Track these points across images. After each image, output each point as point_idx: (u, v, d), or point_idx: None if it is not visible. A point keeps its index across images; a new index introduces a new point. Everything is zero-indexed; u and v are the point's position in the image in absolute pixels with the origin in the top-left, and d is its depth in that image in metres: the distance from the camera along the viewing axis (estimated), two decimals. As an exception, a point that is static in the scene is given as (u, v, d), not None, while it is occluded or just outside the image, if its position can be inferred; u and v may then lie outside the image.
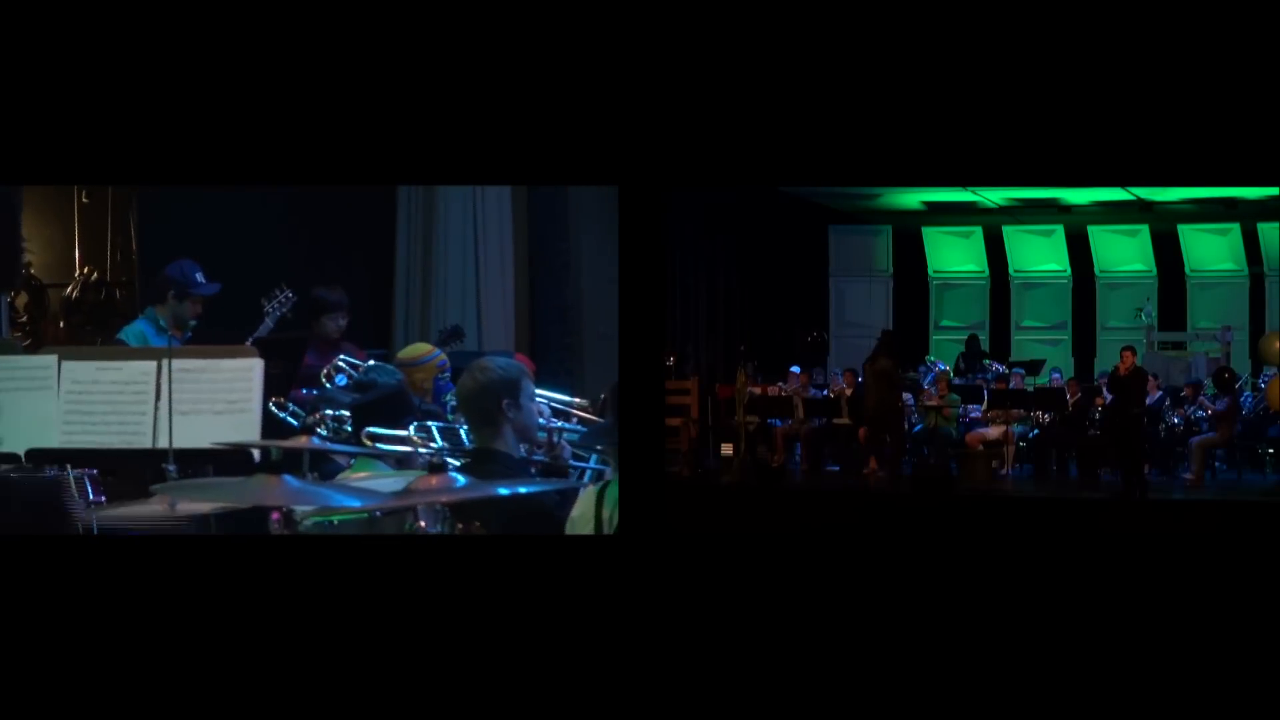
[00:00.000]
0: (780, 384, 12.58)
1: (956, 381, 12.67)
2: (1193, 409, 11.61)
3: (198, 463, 5.02)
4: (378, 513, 4.34)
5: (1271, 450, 11.52)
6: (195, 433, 5.10)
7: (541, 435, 4.90)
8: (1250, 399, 11.89)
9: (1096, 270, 14.66)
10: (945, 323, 15.18)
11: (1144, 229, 14.38)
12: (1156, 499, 10.19)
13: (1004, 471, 11.51)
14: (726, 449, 11.61)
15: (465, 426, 4.85)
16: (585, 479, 5.10)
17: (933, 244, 15.19)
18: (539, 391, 5.11)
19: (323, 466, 4.89)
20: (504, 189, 8.68)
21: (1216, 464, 11.39)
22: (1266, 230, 13.48)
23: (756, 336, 13.78)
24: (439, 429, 4.99)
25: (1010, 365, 13.33)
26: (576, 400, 5.50)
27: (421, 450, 4.82)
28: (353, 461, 4.93)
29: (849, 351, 14.47)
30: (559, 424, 5.20)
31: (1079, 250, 14.70)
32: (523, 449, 4.61)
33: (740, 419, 11.61)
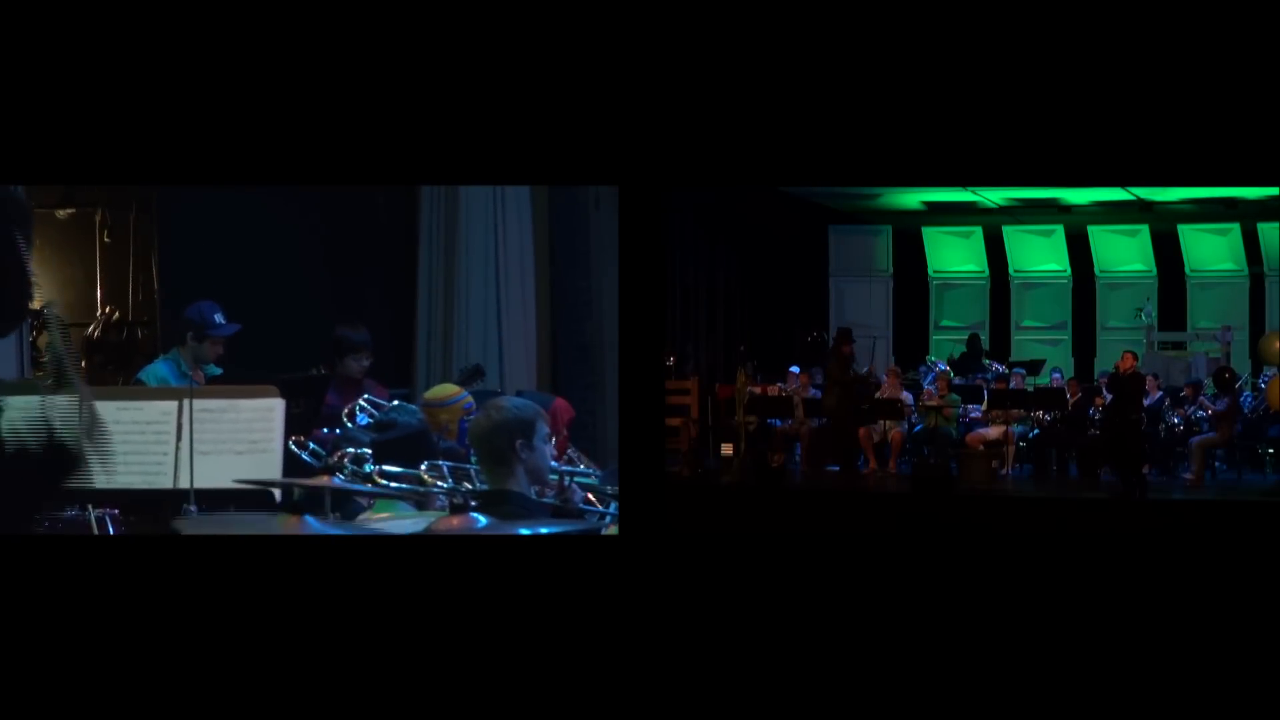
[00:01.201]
0: (780, 384, 12.59)
1: (956, 381, 12.67)
2: (1193, 409, 11.61)
3: (219, 503, 5.01)
4: None
5: (1271, 450, 11.52)
6: (216, 472, 5.10)
7: (553, 478, 4.88)
8: (1250, 399, 11.89)
9: (1096, 270, 14.66)
10: (945, 323, 15.18)
11: (1144, 229, 14.38)
12: (1156, 499, 10.19)
13: (1004, 471, 11.51)
14: (726, 449, 11.60)
15: (476, 467, 4.83)
16: (606, 521, 5.12)
17: (933, 244, 15.19)
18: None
19: (345, 507, 4.88)
20: (526, 228, 8.68)
21: (1216, 464, 11.39)
22: (1266, 230, 13.48)
23: (756, 336, 13.77)
24: (449, 468, 4.99)
25: (1010, 365, 13.33)
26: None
27: (436, 490, 4.83)
28: (374, 502, 4.94)
29: (849, 351, 14.48)
30: (568, 468, 5.21)
31: (1079, 250, 14.69)
32: (533, 490, 4.60)
33: (740, 419, 11.61)
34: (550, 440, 4.70)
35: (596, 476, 5.46)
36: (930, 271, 15.23)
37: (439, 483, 4.91)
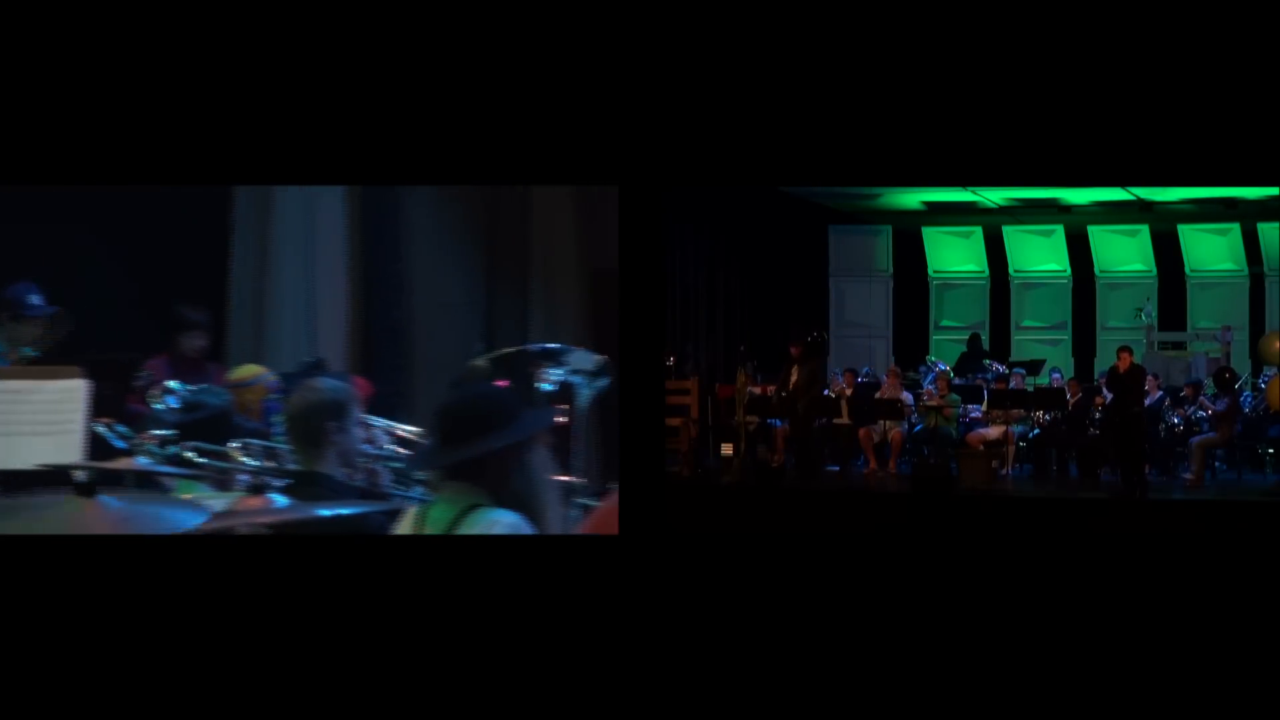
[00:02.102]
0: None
1: (956, 381, 12.67)
2: (1193, 409, 11.61)
3: (24, 485, 4.90)
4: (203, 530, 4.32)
5: (1271, 450, 11.52)
6: (17, 454, 5.02)
7: (361, 461, 4.84)
8: (1250, 399, 11.89)
9: (1096, 270, 14.67)
10: (945, 323, 15.19)
11: (1144, 229, 14.39)
12: (1156, 499, 10.19)
13: (1004, 471, 11.51)
14: (726, 449, 11.61)
15: (289, 447, 4.77)
16: (411, 502, 5.04)
17: (933, 244, 15.20)
18: (374, 419, 5.13)
19: (150, 488, 4.86)
20: (338, 209, 8.64)
21: (1216, 464, 11.39)
22: (1266, 230, 13.49)
23: (756, 336, 13.78)
24: (262, 448, 4.96)
25: (1010, 365, 13.34)
26: (409, 427, 5.47)
27: (241, 473, 4.80)
28: (178, 483, 4.89)
29: (849, 351, 14.49)
30: (376, 451, 5.17)
31: (1079, 250, 14.70)
32: (343, 473, 4.56)
33: (740, 419, 11.61)
34: (361, 423, 4.68)
35: (401, 462, 5.39)
36: (930, 271, 15.24)
37: (250, 461, 4.89)
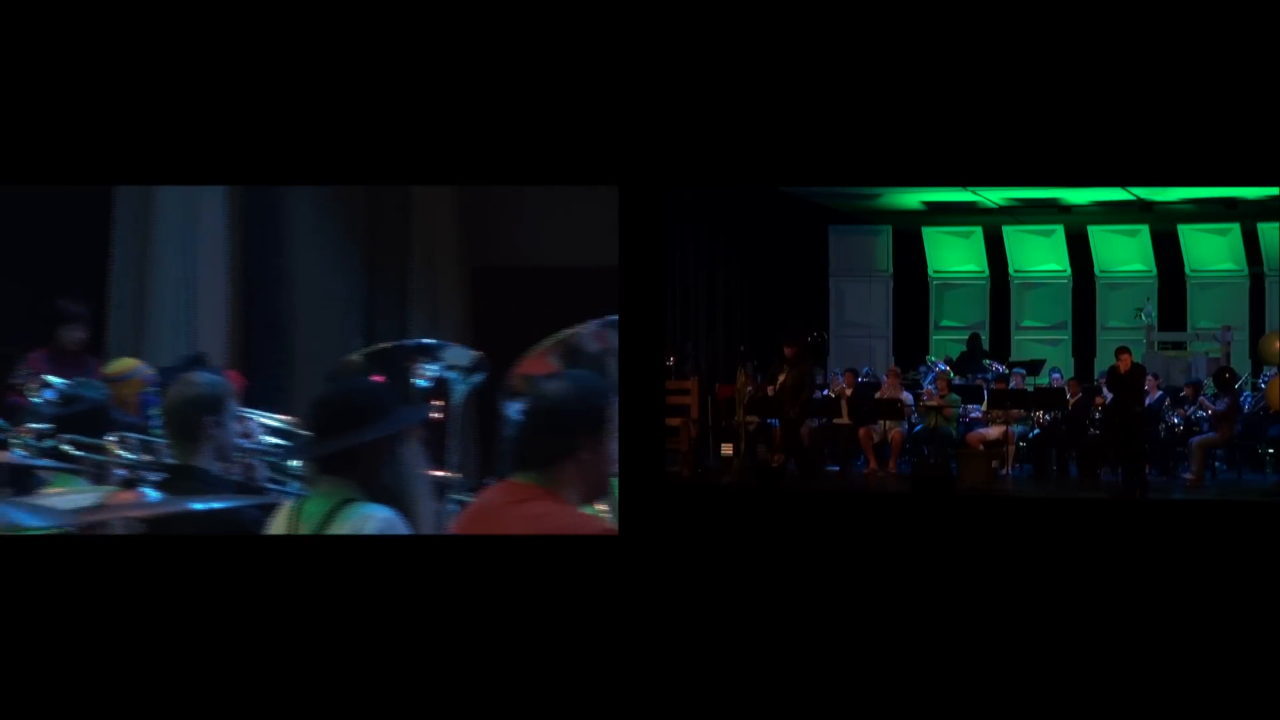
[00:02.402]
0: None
1: (956, 381, 12.67)
2: (1193, 409, 11.61)
3: None
4: (71, 528, 4.30)
5: (1271, 450, 11.51)
6: None
7: (238, 455, 4.83)
8: (1250, 399, 11.89)
9: (1096, 270, 14.66)
10: (945, 323, 15.18)
11: (1144, 229, 14.38)
12: (1156, 499, 10.19)
13: (1004, 471, 11.50)
14: (726, 449, 11.60)
15: (167, 441, 4.76)
16: (288, 496, 5.02)
17: (933, 244, 15.19)
18: (252, 411, 5.12)
19: (24, 483, 4.85)
20: (219, 206, 8.62)
21: (1216, 464, 11.39)
22: (1266, 230, 13.48)
23: (756, 336, 13.78)
24: (138, 441, 4.95)
25: (1010, 365, 13.33)
26: (286, 419, 5.46)
27: (119, 467, 4.78)
28: (54, 478, 4.88)
29: (849, 351, 14.49)
30: (253, 445, 5.16)
31: (1079, 250, 14.69)
32: (218, 467, 4.55)
33: (740, 419, 11.61)
34: (238, 418, 4.67)
35: (277, 457, 5.38)
36: (930, 271, 15.24)
37: (127, 455, 4.89)
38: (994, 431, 11.78)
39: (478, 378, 5.31)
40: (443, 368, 5.31)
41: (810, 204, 14.33)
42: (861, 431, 11.98)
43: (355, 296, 8.97)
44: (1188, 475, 10.85)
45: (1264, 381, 11.92)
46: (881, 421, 12.05)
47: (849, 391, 12.40)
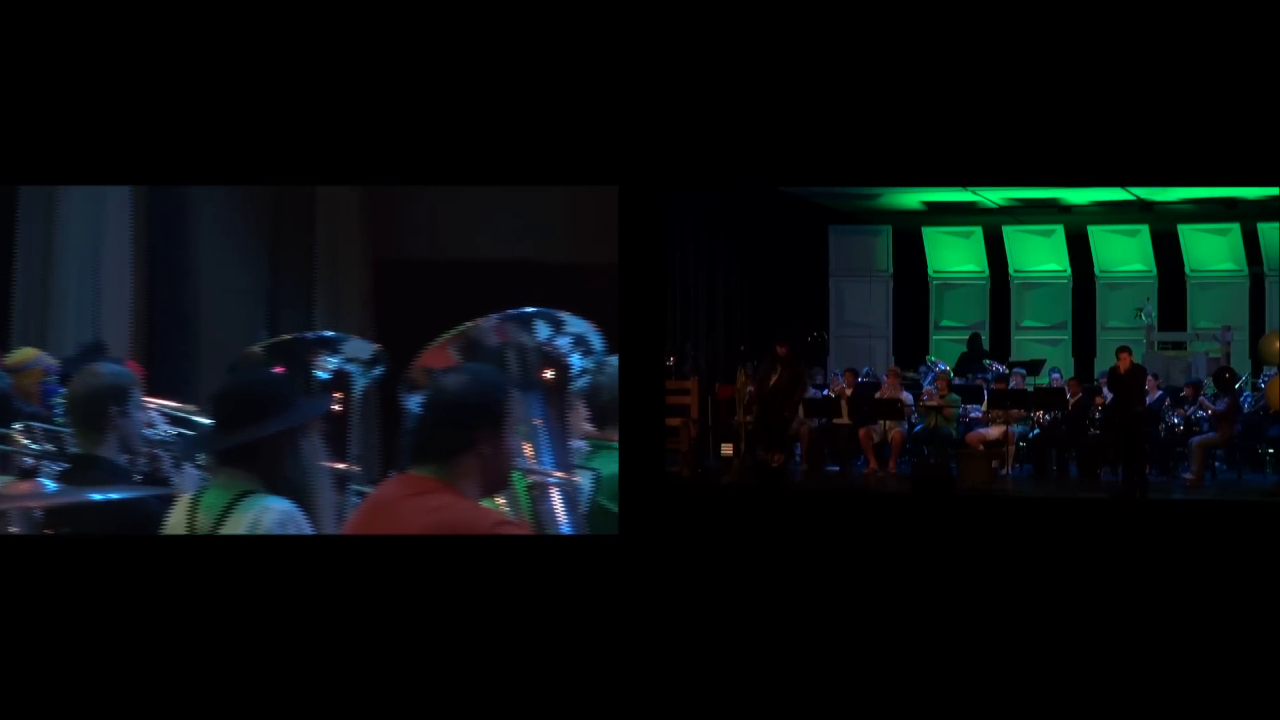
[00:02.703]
0: (779, 385, 12.57)
1: (956, 381, 12.67)
2: (1193, 409, 11.61)
3: None
4: None
5: (1271, 450, 11.51)
6: None
7: (142, 445, 4.83)
8: (1250, 399, 11.88)
9: (1096, 270, 14.66)
10: (945, 323, 15.18)
11: (1144, 229, 14.38)
12: (1156, 499, 10.19)
13: (1004, 471, 11.51)
14: (726, 449, 11.59)
15: (71, 431, 4.75)
16: (196, 485, 5.02)
17: (933, 244, 15.19)
18: (155, 401, 5.11)
19: None
20: (125, 199, 8.64)
21: (1216, 464, 11.38)
22: (1266, 230, 13.47)
23: (756, 336, 13.77)
24: (42, 431, 4.97)
25: (1010, 365, 13.33)
26: (190, 407, 5.47)
27: (25, 456, 4.78)
28: None
29: (849, 351, 14.48)
30: (157, 435, 5.17)
31: (1079, 250, 14.69)
32: (124, 458, 4.55)
33: (740, 419, 11.61)
34: (142, 408, 4.66)
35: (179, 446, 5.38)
36: (930, 271, 15.23)
37: (32, 445, 4.89)
38: (994, 431, 11.78)
39: (378, 371, 5.31)
40: (343, 360, 5.31)
41: (810, 204, 14.33)
42: (861, 431, 11.98)
43: (259, 289, 9.03)
44: (1188, 475, 10.85)
45: (1264, 381, 11.92)
46: (881, 421, 12.05)
47: (849, 391, 12.40)
